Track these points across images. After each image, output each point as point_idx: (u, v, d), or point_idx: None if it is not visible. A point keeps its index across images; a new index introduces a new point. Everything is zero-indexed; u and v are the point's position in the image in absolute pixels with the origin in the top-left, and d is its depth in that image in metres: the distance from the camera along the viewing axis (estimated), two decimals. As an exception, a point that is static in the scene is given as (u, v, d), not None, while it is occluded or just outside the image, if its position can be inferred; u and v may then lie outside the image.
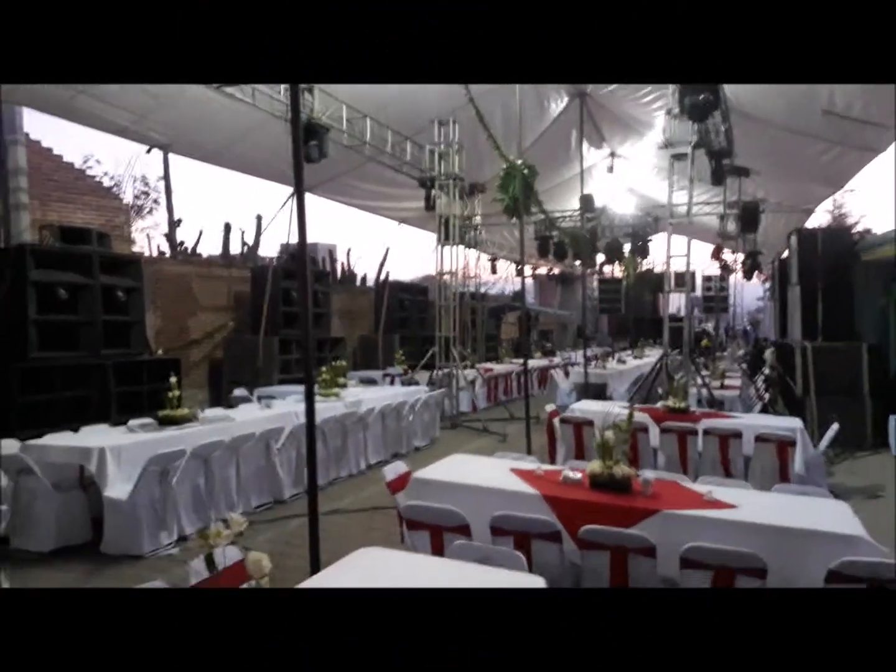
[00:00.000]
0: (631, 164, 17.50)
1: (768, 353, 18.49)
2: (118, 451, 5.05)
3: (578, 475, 4.12)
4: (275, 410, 6.95)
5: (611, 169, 17.16)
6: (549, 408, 8.28)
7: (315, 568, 4.23)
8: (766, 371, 15.29)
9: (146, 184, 19.20)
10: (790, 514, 3.67)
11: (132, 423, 6.06)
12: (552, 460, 8.05)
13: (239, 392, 9.52)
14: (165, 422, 5.93)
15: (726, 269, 25.34)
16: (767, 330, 32.27)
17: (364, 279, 18.32)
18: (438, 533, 3.69)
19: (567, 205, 17.97)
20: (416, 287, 15.94)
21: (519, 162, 8.43)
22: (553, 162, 16.28)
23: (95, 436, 5.54)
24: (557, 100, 13.19)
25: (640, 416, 7.30)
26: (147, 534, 4.91)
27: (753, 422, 7.17)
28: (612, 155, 16.98)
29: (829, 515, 3.70)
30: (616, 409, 7.83)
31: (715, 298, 28.05)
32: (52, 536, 4.86)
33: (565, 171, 17.54)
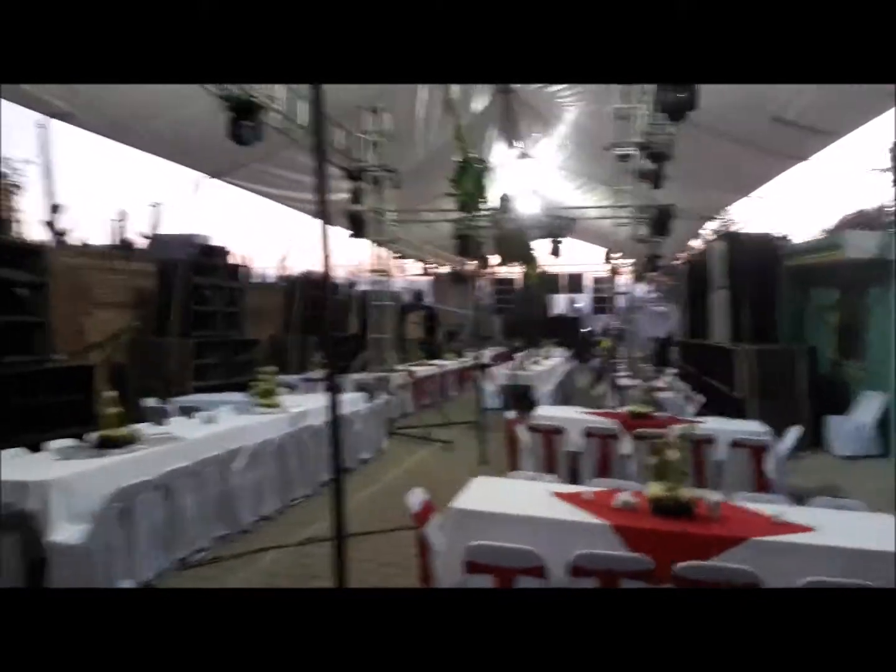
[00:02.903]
0: (537, 165, 17.51)
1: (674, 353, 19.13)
2: (64, 484, 4.12)
3: (636, 499, 3.73)
4: (221, 426, 6.10)
5: (520, 168, 17.08)
6: (510, 415, 7.90)
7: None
8: (674, 371, 15.76)
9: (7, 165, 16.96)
10: (870, 534, 3.46)
11: (56, 445, 5.07)
12: (512, 470, 7.67)
13: (151, 403, 8.44)
14: (104, 444, 4.99)
15: (615, 271, 26.23)
16: (646, 330, 33.65)
17: (263, 275, 17.24)
18: (507, 576, 3.16)
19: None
20: (329, 285, 15.09)
21: (473, 155, 7.98)
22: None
23: (21, 465, 4.53)
24: (483, 95, 12.86)
25: (608, 422, 7.09)
26: (104, 584, 4.02)
27: (718, 426, 7.12)
28: (524, 155, 16.90)
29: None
30: (582, 415, 7.59)
31: (605, 300, 29.12)
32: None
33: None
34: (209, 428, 5.97)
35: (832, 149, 8.58)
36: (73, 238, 11.54)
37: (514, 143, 16.26)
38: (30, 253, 6.79)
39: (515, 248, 13.29)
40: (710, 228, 20.96)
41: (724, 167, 11.44)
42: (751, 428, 7.01)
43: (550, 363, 16.29)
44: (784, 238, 10.32)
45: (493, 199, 16.15)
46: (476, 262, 16.92)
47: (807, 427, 8.88)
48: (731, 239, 10.64)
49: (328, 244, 3.55)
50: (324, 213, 3.60)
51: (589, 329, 32.99)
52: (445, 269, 25.10)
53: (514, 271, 27.49)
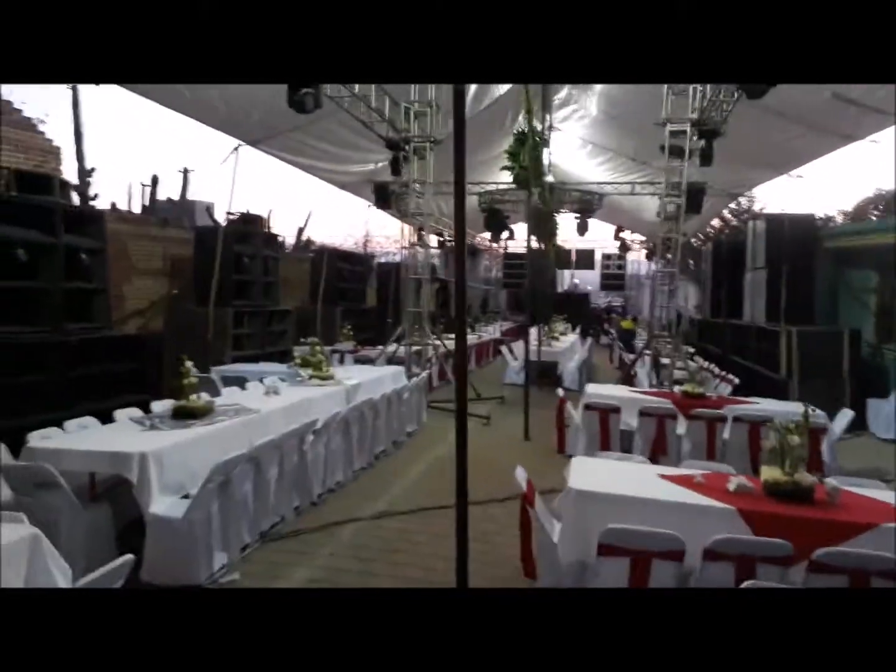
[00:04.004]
0: (561, 139, 17.29)
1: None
2: (159, 456, 4.08)
3: (751, 484, 3.72)
4: (287, 398, 6.04)
5: (546, 142, 16.85)
6: (560, 393, 7.88)
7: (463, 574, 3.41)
8: (691, 350, 15.74)
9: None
10: None
11: (124, 414, 5.02)
12: (561, 448, 7.67)
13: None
14: (183, 414, 4.94)
15: (625, 248, 26.08)
16: (645, 307, 33.46)
17: (282, 245, 17.08)
18: (644, 560, 3.16)
19: (498, 178, 17.67)
20: (354, 256, 15.00)
21: (529, 129, 7.87)
22: (491, 134, 15.76)
23: (106, 435, 4.50)
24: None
25: (663, 402, 7.08)
26: (203, 557, 4.00)
27: (772, 408, 7.12)
28: (550, 128, 16.68)
29: None
30: (634, 394, 7.58)
31: (613, 277, 28.98)
32: (83, 564, 3.83)
33: (497, 145, 17.13)
34: (277, 400, 5.92)
35: (888, 130, 8.42)
36: (103, 203, 11.36)
37: (544, 117, 16.03)
38: (89, 218, 6.64)
39: (545, 222, 13.22)
40: (728, 207, 20.78)
41: (764, 143, 11.24)
42: (801, 410, 7.00)
43: (569, 340, 16.29)
44: (824, 219, 10.22)
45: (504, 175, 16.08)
46: (497, 235, 16.86)
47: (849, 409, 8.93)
48: (771, 219, 10.56)
49: (463, 229, 3.47)
50: (461, 199, 3.51)
51: (602, 305, 32.94)
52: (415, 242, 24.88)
53: (523, 246, 27.42)
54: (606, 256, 28.70)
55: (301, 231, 16.67)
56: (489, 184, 15.47)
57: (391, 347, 11.06)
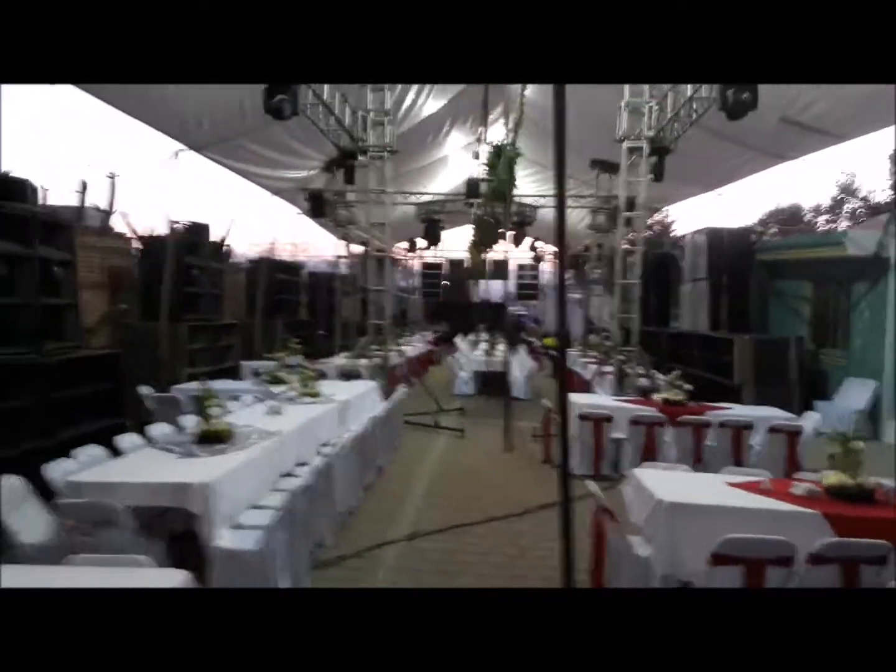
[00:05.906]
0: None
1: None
2: (219, 485, 3.81)
3: (818, 488, 3.91)
4: (292, 417, 5.77)
5: (477, 155, 17.09)
6: (546, 403, 7.98)
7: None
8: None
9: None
10: None
11: (127, 440, 4.67)
12: (549, 459, 7.75)
13: (147, 391, 7.84)
14: (208, 440, 4.64)
15: (538, 258, 26.70)
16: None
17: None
18: (759, 567, 3.25)
19: (429, 188, 17.78)
20: (290, 266, 14.56)
21: (506, 142, 7.96)
22: (421, 146, 15.83)
23: (153, 465, 4.14)
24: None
25: (647, 411, 7.32)
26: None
27: (746, 412, 7.51)
28: (479, 140, 16.92)
29: None
30: (618, 403, 7.77)
31: (527, 286, 29.59)
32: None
33: (428, 155, 17.23)
34: (286, 420, 5.64)
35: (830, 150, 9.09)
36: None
37: (476, 130, 16.28)
38: (58, 227, 6.10)
39: (490, 233, 13.35)
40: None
41: (698, 164, 11.82)
42: (772, 414, 7.43)
43: (502, 349, 16.52)
44: (759, 233, 10.92)
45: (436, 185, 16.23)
46: (434, 245, 16.90)
47: (797, 412, 9.55)
48: (712, 233, 11.17)
49: (564, 241, 3.43)
50: (561, 206, 3.49)
51: (516, 316, 33.55)
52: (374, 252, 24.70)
53: (442, 256, 27.59)
54: (521, 266, 29.38)
55: (223, 240, 15.99)
56: (426, 194, 15.50)
57: (341, 360, 10.85)
